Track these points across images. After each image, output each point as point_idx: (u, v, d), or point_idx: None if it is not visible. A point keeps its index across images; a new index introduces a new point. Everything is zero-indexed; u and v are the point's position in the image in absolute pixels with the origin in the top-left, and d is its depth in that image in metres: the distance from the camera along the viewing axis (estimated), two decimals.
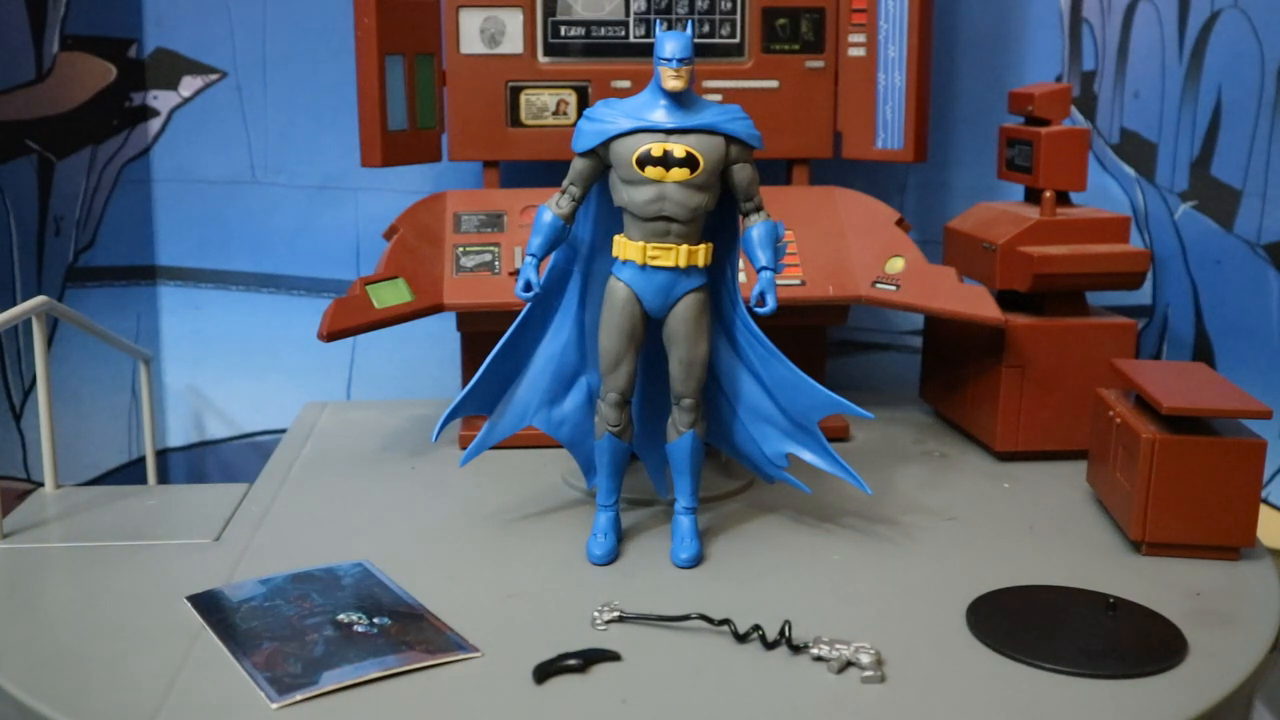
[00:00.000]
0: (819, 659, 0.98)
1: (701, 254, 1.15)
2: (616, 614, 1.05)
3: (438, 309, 1.46)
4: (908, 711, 0.92)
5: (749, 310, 1.18)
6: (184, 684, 0.95)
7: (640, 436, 1.25)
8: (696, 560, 1.18)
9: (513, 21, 1.54)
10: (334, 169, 1.78)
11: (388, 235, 1.50)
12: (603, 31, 1.56)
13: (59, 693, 0.94)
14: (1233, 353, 1.60)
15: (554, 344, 1.24)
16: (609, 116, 1.14)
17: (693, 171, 1.11)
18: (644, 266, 1.14)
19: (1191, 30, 1.62)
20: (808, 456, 1.22)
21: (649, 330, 1.18)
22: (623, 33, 1.56)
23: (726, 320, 1.21)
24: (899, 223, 1.53)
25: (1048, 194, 1.47)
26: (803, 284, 1.47)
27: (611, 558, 1.19)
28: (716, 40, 1.57)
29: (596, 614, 1.05)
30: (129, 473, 1.82)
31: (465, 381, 1.53)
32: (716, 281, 1.20)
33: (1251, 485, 1.18)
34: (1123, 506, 1.23)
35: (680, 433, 1.19)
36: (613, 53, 1.56)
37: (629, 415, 1.20)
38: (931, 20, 1.58)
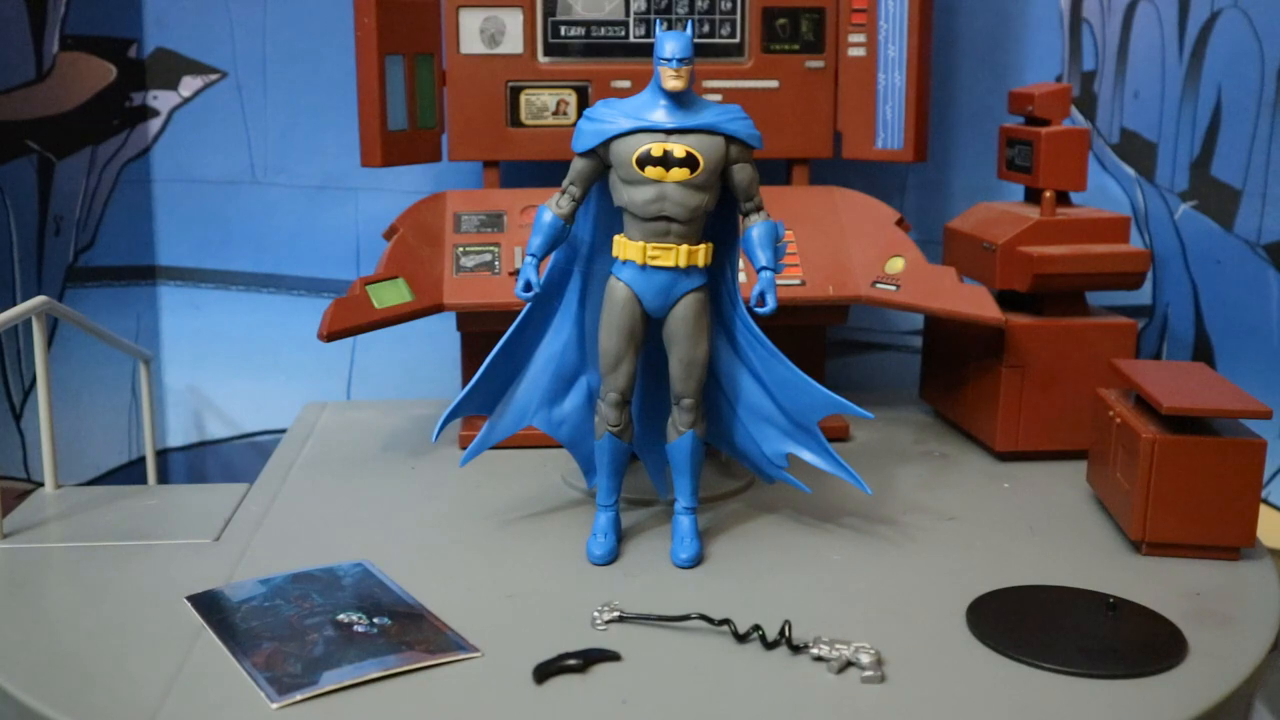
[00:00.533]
0: (819, 659, 0.98)
1: (701, 254, 1.15)
2: (616, 614, 1.05)
3: (438, 309, 1.46)
4: (908, 711, 0.92)
5: (749, 310, 1.18)
6: (184, 684, 0.95)
7: (640, 436, 1.25)
8: (696, 560, 1.18)
9: (513, 21, 1.54)
10: (334, 169, 1.78)
11: (388, 235, 1.50)
12: (603, 31, 1.56)
13: (59, 693, 0.94)
14: (1233, 353, 1.60)
15: (554, 344, 1.23)
16: (609, 116, 1.14)
17: (693, 171, 1.11)
18: (644, 266, 1.14)
19: (1191, 30, 1.62)
20: (808, 456, 1.22)
21: (649, 330, 1.18)
22: (623, 33, 1.56)
23: (726, 320, 1.21)
24: (899, 223, 1.53)
25: (1048, 194, 1.47)
26: (803, 284, 1.47)
27: (611, 558, 1.19)
28: (716, 40, 1.57)
29: (596, 614, 1.05)
30: (129, 473, 1.82)
31: (465, 381, 1.53)
32: (716, 281, 1.20)
33: (1251, 485, 1.18)
34: (1123, 506, 1.23)
35: (680, 433, 1.19)
36: (613, 53, 1.56)
37: (629, 415, 1.20)
38: (931, 20, 1.58)
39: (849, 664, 0.97)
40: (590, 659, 0.98)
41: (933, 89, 1.63)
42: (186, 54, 1.75)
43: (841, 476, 1.20)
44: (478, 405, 1.24)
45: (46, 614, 1.10)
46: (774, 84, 1.57)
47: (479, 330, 1.52)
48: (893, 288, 1.47)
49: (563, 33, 1.55)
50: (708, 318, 1.17)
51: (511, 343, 1.21)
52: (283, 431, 1.67)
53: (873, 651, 0.97)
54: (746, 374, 1.22)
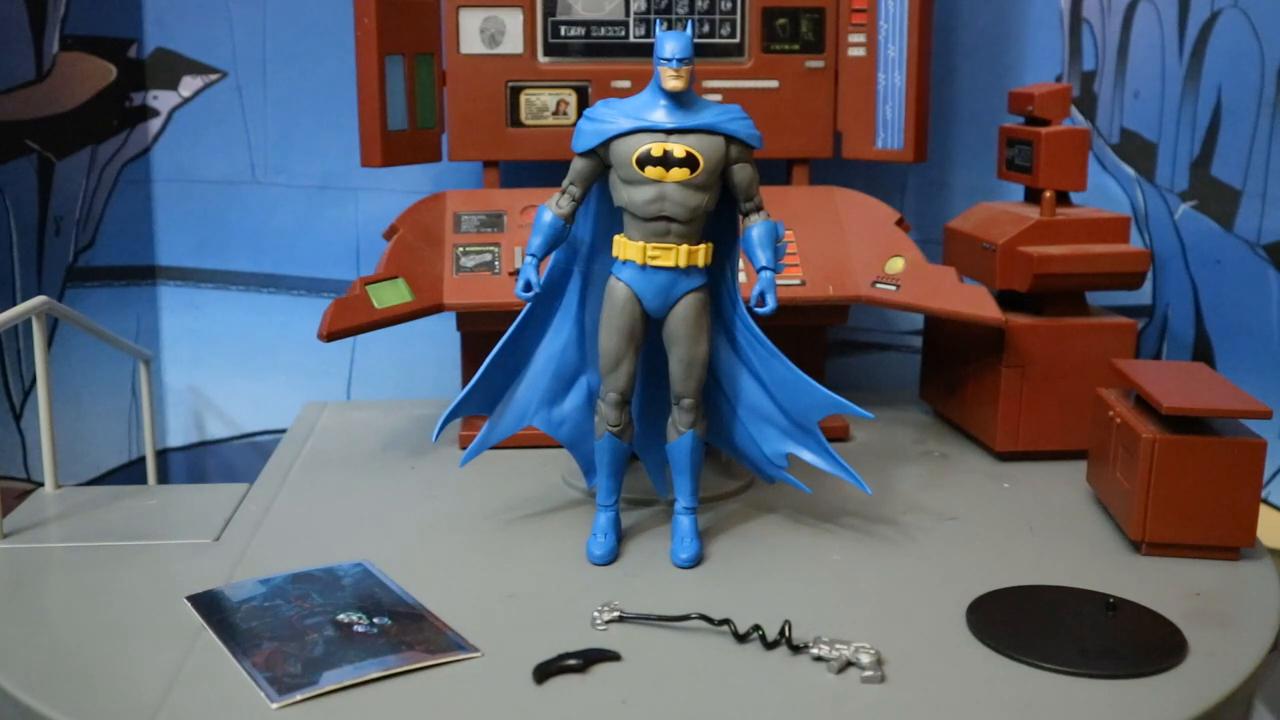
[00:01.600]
0: (819, 659, 0.98)
1: (701, 254, 1.15)
2: (616, 614, 1.05)
3: (438, 309, 1.46)
4: (908, 711, 0.92)
5: (749, 310, 1.18)
6: (184, 684, 0.95)
7: (640, 436, 1.25)
8: (696, 560, 1.18)
9: (513, 21, 1.54)
10: (334, 169, 1.78)
11: (388, 235, 1.50)
12: (603, 31, 1.56)
13: (59, 693, 0.94)
14: (1233, 353, 1.60)
15: (554, 344, 1.24)
16: (609, 116, 1.13)
17: (693, 171, 1.11)
18: (644, 266, 1.14)
19: (1191, 30, 1.62)
20: (808, 456, 1.22)
21: (649, 330, 1.18)
22: (623, 33, 1.56)
23: (726, 320, 1.21)
24: (899, 223, 1.53)
25: (1048, 194, 1.47)
26: (803, 284, 1.47)
27: (611, 558, 1.19)
28: (716, 40, 1.57)
29: (596, 614, 1.05)
30: (129, 473, 1.82)
31: (465, 381, 1.53)
32: (716, 281, 1.20)
33: (1251, 485, 1.18)
34: (1123, 506, 1.23)
35: (680, 433, 1.19)
36: (613, 53, 1.56)
37: (629, 415, 1.20)
38: (931, 20, 1.58)
39: (849, 664, 0.97)
40: (590, 659, 0.98)
41: (933, 89, 1.63)
42: (186, 54, 1.75)
43: (841, 477, 1.20)
44: (477, 405, 1.24)
45: (46, 614, 1.10)
46: (774, 84, 1.57)
47: (479, 330, 1.52)
48: (893, 288, 1.47)
49: (563, 33, 1.55)
50: (708, 318, 1.17)
51: (511, 343, 1.21)
52: (283, 431, 1.67)
53: (873, 651, 0.97)
54: (746, 374, 1.22)
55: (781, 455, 1.23)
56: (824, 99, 1.59)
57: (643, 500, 1.33)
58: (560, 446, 1.29)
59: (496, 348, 1.21)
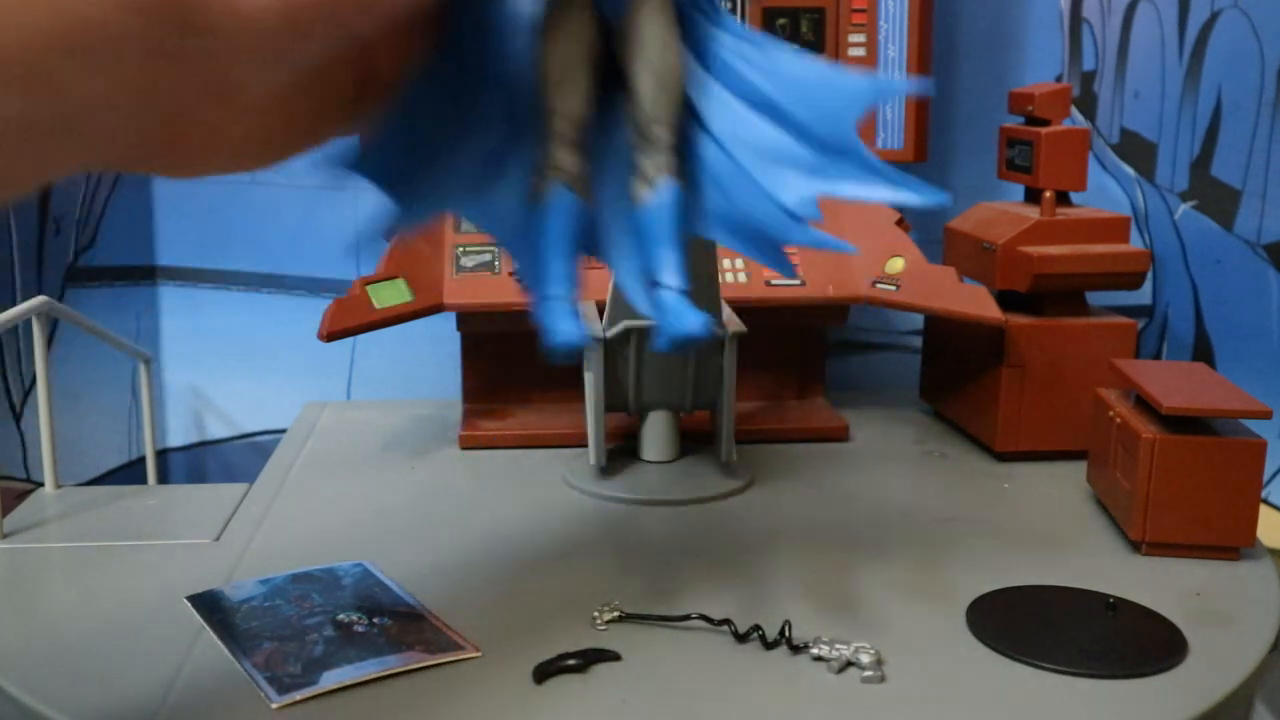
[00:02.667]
0: (819, 659, 0.98)
1: None
2: (616, 614, 1.05)
3: (438, 309, 1.46)
4: (908, 711, 0.92)
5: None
6: (184, 684, 0.95)
7: (596, 221, 0.78)
8: (703, 331, 0.74)
9: None
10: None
11: (388, 235, 1.49)
12: None
13: (59, 693, 0.94)
14: (1233, 353, 1.60)
15: (479, 96, 0.75)
16: None
17: None
18: None
19: (1191, 30, 1.62)
20: (848, 190, 0.75)
21: (601, 45, 0.76)
22: None
23: (697, 33, 0.77)
24: (899, 223, 1.53)
25: (1048, 194, 1.47)
26: (803, 284, 1.47)
27: (586, 339, 0.86)
28: None
29: (596, 614, 1.05)
30: (129, 473, 1.82)
31: (465, 382, 1.53)
32: None
33: (1251, 485, 1.18)
34: (1123, 506, 1.23)
35: (652, 184, 0.75)
36: None
37: (585, 162, 0.76)
38: (931, 20, 1.58)
39: (849, 664, 0.97)
40: (590, 659, 0.98)
41: (933, 89, 1.63)
42: None
43: (893, 198, 0.74)
44: (377, 171, 0.73)
45: (46, 614, 1.10)
46: None
47: (479, 330, 1.51)
48: (893, 288, 1.47)
49: None
50: (675, 15, 0.76)
51: (424, 95, 0.73)
52: (283, 431, 1.67)
53: (873, 651, 0.97)
54: (738, 101, 0.77)
55: (809, 201, 0.76)
56: None
57: (643, 500, 1.33)
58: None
59: (402, 93, 0.72)
